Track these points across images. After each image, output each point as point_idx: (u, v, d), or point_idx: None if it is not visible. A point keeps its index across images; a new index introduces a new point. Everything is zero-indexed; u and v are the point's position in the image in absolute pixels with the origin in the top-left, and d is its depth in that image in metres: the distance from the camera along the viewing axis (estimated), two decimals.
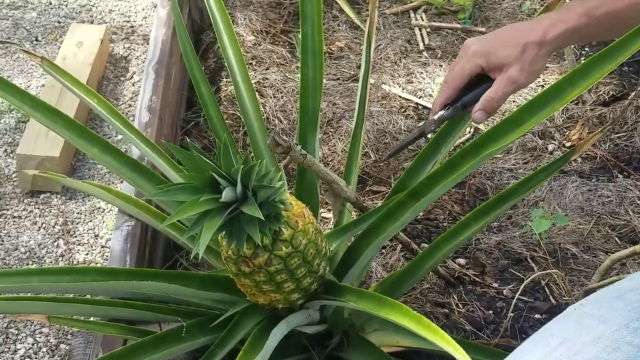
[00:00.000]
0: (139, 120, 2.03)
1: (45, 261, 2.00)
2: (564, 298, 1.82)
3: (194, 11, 2.60)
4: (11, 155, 2.26)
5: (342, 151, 2.19)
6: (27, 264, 1.99)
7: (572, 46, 2.45)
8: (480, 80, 1.39)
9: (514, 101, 2.35)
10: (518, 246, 1.94)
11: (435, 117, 1.40)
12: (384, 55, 2.52)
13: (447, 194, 2.10)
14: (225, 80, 2.43)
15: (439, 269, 1.84)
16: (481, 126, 2.28)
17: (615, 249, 1.90)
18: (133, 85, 2.51)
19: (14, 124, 2.35)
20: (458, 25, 2.65)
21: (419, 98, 2.37)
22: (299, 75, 1.66)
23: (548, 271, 1.83)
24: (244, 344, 1.33)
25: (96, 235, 2.07)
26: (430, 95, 2.37)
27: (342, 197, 1.49)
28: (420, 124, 1.37)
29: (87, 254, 2.03)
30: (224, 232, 1.24)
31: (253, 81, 2.36)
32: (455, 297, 1.83)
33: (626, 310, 1.09)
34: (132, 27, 2.74)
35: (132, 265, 1.69)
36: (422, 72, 2.46)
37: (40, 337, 1.83)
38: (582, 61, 1.54)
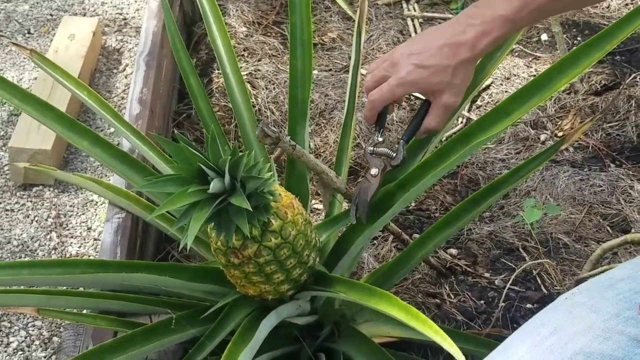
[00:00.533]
0: (129, 112, 2.03)
1: (38, 254, 2.00)
2: (556, 287, 1.82)
3: (185, 3, 2.60)
4: (3, 148, 2.26)
5: (334, 142, 2.19)
6: (20, 257, 1.99)
7: (565, 35, 2.44)
8: None
9: (506, 91, 2.34)
10: (510, 236, 1.94)
11: (397, 162, 1.39)
12: (377, 46, 2.52)
13: (439, 185, 2.10)
14: (217, 72, 2.42)
15: (430, 259, 1.84)
16: (473, 115, 2.28)
17: (607, 238, 1.90)
18: (126, 77, 2.51)
19: (6, 117, 2.35)
20: (450, 16, 2.64)
21: None
22: None
23: (539, 261, 1.84)
24: (234, 335, 1.33)
25: (89, 228, 2.07)
26: None
27: (332, 188, 1.49)
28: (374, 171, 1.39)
29: (79, 247, 2.03)
30: (212, 224, 1.24)
31: (245, 73, 2.35)
32: (447, 288, 1.84)
33: (617, 299, 1.09)
34: (125, 19, 2.73)
35: (123, 257, 1.68)
36: None
37: (33, 330, 1.83)
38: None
